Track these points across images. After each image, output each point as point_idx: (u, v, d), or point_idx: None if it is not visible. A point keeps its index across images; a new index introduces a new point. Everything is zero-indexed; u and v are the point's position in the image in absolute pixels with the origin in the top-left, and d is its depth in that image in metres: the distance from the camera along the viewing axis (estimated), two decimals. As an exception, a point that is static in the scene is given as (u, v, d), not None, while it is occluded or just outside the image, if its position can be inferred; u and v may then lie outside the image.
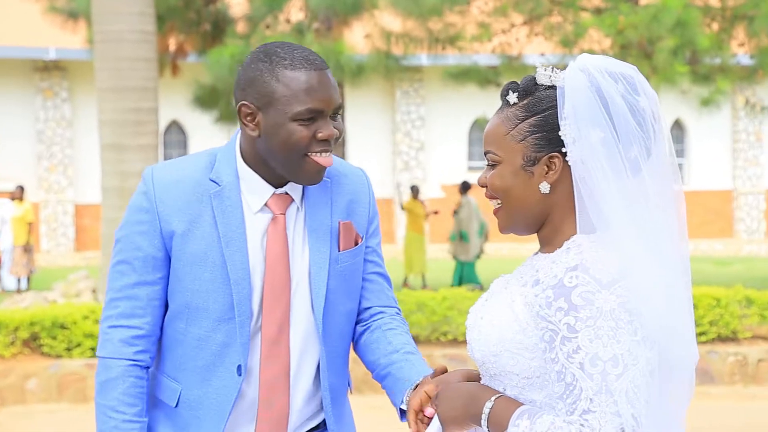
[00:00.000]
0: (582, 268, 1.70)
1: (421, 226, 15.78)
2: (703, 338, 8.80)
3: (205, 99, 13.21)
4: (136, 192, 2.28)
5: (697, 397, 8.12)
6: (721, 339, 8.97)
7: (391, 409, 2.53)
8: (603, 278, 1.69)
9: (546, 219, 1.85)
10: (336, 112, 2.21)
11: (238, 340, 2.22)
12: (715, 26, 12.16)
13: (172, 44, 12.39)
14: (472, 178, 17.86)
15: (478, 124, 17.21)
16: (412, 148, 23.33)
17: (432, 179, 23.41)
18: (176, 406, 2.28)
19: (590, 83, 1.78)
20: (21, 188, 15.75)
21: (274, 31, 11.76)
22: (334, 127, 2.20)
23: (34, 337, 8.57)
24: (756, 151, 23.93)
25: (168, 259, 2.24)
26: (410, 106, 23.73)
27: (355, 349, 2.44)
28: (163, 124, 21.75)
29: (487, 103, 16.37)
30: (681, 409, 1.83)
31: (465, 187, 16.41)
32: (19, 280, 15.21)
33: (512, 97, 1.86)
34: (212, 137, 19.73)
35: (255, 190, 2.25)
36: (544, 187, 1.82)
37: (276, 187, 2.26)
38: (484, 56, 13.90)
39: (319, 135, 2.17)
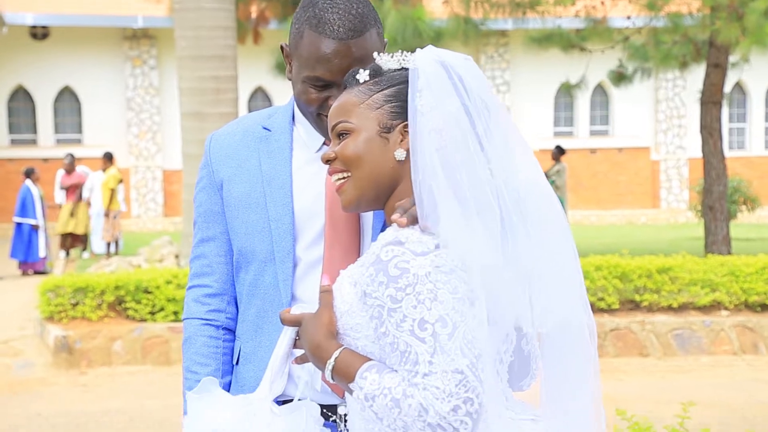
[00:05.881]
0: (396, 242, 1.74)
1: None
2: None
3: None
4: None
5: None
6: None
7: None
8: (417, 249, 1.73)
9: (393, 192, 1.86)
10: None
11: (280, 279, 2.13)
12: (810, -14, 11.67)
13: (254, 12, 12.45)
14: (560, 144, 17.52)
15: (564, 89, 17.01)
16: (498, 113, 23.11)
17: (517, 145, 23.16)
18: (237, 363, 2.23)
19: (441, 62, 1.83)
20: (107, 155, 16.07)
21: (355, -3, 11.72)
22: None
23: (120, 301, 8.80)
24: None
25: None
26: (495, 71, 23.48)
27: None
28: (248, 91, 21.97)
29: (571, 68, 16.08)
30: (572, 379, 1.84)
31: (560, 152, 16.03)
32: (108, 245, 15.59)
33: (363, 76, 1.89)
34: (296, 104, 19.78)
35: (311, 131, 2.20)
36: (400, 153, 1.83)
37: None
38: (568, 20, 13.64)
39: (331, 102, 2.09)
